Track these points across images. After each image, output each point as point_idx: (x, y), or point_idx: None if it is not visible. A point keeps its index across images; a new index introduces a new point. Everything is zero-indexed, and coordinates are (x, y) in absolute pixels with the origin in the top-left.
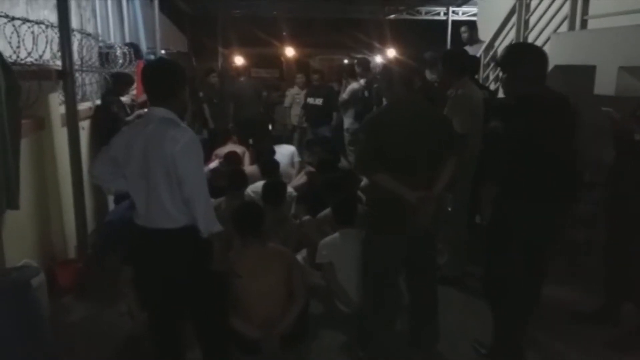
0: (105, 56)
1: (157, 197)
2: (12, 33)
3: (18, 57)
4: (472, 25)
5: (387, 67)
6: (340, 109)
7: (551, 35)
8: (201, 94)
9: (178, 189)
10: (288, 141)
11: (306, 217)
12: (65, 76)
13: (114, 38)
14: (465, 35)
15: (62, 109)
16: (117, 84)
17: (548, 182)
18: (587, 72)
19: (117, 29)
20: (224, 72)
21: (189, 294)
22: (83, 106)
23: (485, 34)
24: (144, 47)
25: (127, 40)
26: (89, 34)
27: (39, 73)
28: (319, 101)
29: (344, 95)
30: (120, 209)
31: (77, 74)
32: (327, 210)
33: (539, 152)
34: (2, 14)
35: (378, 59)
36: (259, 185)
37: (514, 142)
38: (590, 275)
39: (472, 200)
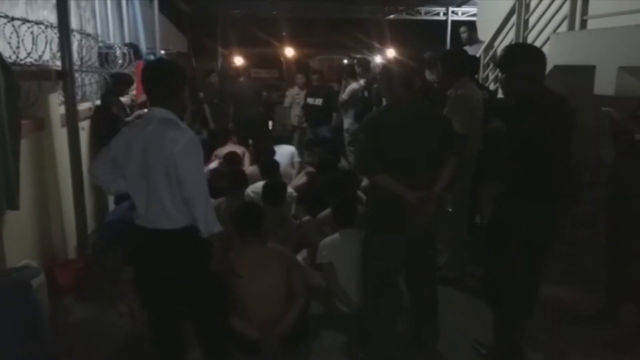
0: (105, 56)
1: (157, 197)
2: (12, 33)
3: (18, 57)
4: (471, 26)
5: (386, 67)
6: (340, 110)
7: (551, 35)
8: (201, 95)
9: (178, 189)
10: (288, 141)
11: (306, 218)
12: (64, 76)
13: (113, 38)
14: (464, 36)
15: (61, 110)
16: (116, 84)
17: (548, 182)
18: (586, 72)
19: (117, 29)
20: (224, 73)
21: (189, 294)
22: (83, 106)
23: (484, 34)
24: (143, 47)
25: (127, 40)
26: (88, 35)
27: (39, 73)
28: (318, 101)
29: (344, 96)
30: (120, 209)
31: (76, 75)
32: (327, 211)
33: (539, 152)
34: (2, 14)
35: (378, 59)
36: (259, 185)
37: (515, 142)
38: (590, 275)
39: (472, 200)
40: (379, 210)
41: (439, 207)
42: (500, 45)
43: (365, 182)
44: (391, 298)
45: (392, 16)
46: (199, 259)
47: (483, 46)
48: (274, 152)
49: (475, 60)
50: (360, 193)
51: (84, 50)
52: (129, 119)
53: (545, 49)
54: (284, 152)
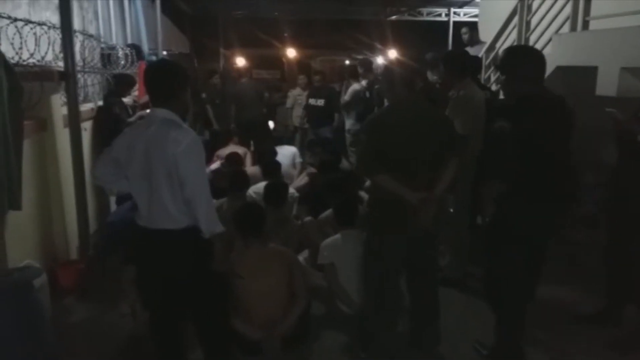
0: (107, 57)
1: (159, 198)
2: (15, 34)
3: (20, 58)
4: (472, 27)
5: (388, 68)
6: (342, 110)
7: (553, 36)
8: (204, 95)
9: (180, 190)
10: (289, 142)
11: (308, 218)
12: (67, 77)
13: (115, 39)
14: (465, 37)
15: (64, 110)
16: (119, 85)
17: (548, 182)
18: (588, 73)
19: (119, 30)
20: (226, 73)
21: (191, 295)
22: (85, 107)
23: (486, 35)
24: (145, 48)
25: (129, 41)
26: (91, 35)
27: (41, 74)
28: (320, 102)
29: (346, 97)
30: (122, 209)
31: (79, 75)
32: (329, 211)
33: (539, 152)
34: (5, 15)
35: (379, 60)
36: (260, 186)
37: (515, 142)
38: (590, 275)
39: (473, 201)
40: (380, 211)
41: (440, 208)
42: (502, 46)
43: (368, 182)
44: (392, 299)
45: (393, 17)
46: (201, 260)
47: (485, 47)
48: (275, 153)
49: (477, 60)
50: (362, 193)
51: (87, 51)
52: (131, 119)
53: (547, 50)
54: (286, 153)
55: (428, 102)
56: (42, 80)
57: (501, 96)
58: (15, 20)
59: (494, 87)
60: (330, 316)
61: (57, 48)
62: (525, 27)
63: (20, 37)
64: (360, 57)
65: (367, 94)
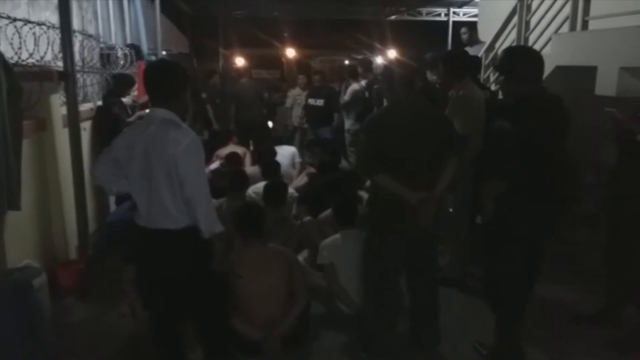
0: (107, 57)
1: (158, 197)
2: (14, 34)
3: (20, 58)
4: (471, 27)
5: (388, 68)
6: (341, 110)
7: (552, 36)
8: (204, 95)
9: (179, 189)
10: (289, 142)
11: (307, 218)
12: (66, 77)
13: (115, 39)
14: (464, 37)
15: (63, 110)
16: (118, 85)
17: (547, 182)
18: (588, 73)
19: (119, 30)
20: (225, 73)
21: (190, 295)
22: (84, 107)
23: (486, 34)
24: (145, 48)
25: (129, 41)
26: (90, 35)
27: (41, 74)
28: (319, 102)
29: (346, 97)
30: (121, 209)
31: (78, 75)
32: (328, 211)
33: (539, 152)
34: (4, 15)
35: (379, 60)
36: (260, 186)
37: (518, 142)
38: (590, 275)
39: (473, 201)
40: (379, 211)
41: (440, 207)
42: (502, 46)
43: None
44: (392, 298)
45: (393, 17)
46: (200, 260)
47: (484, 47)
48: (275, 153)
49: (476, 60)
50: (362, 193)
51: (86, 51)
52: (131, 119)
53: (546, 50)
54: (285, 153)
55: (427, 102)
56: (41, 80)
57: (500, 96)
58: (15, 20)
59: (493, 87)
60: (330, 316)
61: (57, 48)
62: (525, 27)
63: (20, 37)
64: (359, 57)
65: (367, 94)
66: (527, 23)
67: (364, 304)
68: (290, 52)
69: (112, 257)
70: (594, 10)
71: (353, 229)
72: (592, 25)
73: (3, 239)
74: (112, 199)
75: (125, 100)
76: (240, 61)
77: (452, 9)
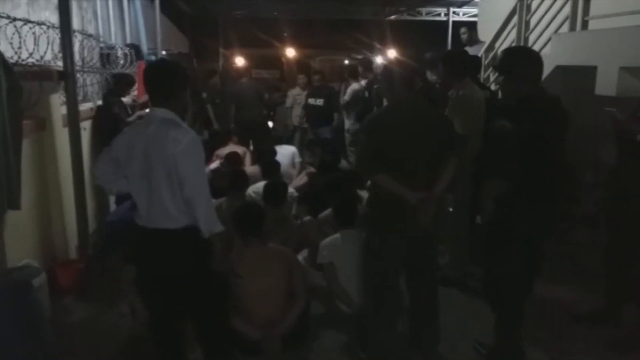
0: (107, 57)
1: (158, 197)
2: (14, 34)
3: (19, 57)
4: (471, 26)
5: (387, 68)
6: (341, 110)
7: (552, 36)
8: (204, 95)
9: (179, 189)
10: (289, 142)
11: (307, 218)
12: (66, 77)
13: (115, 39)
14: (464, 37)
15: (63, 110)
16: (118, 84)
17: (547, 183)
18: (588, 73)
19: (118, 30)
20: (225, 73)
21: (190, 294)
22: (84, 107)
23: (485, 34)
24: (145, 48)
25: (128, 41)
26: (90, 35)
27: (41, 74)
28: (319, 102)
29: (346, 97)
30: (121, 209)
31: (78, 75)
32: (328, 211)
33: (539, 152)
34: (4, 15)
35: (379, 60)
36: (260, 185)
37: (518, 143)
38: (590, 275)
39: (473, 200)
40: (379, 211)
41: (440, 207)
42: (502, 46)
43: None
44: (391, 298)
45: (392, 17)
46: (200, 259)
47: (484, 47)
48: (275, 153)
49: (476, 60)
50: (362, 192)
51: (86, 51)
52: (131, 119)
53: (546, 50)
54: (285, 153)
55: (427, 102)
56: (41, 79)
57: (500, 96)
58: (14, 19)
59: (493, 87)
60: (330, 316)
61: (56, 48)
62: (525, 27)
63: (20, 37)
64: (359, 56)
65: (367, 94)
66: (527, 23)
67: (363, 303)
68: (290, 52)
69: (111, 257)
70: (593, 10)
71: (353, 228)
72: (592, 25)
73: (3, 239)
74: (112, 199)
75: (125, 100)
76: (240, 61)
77: (452, 9)
